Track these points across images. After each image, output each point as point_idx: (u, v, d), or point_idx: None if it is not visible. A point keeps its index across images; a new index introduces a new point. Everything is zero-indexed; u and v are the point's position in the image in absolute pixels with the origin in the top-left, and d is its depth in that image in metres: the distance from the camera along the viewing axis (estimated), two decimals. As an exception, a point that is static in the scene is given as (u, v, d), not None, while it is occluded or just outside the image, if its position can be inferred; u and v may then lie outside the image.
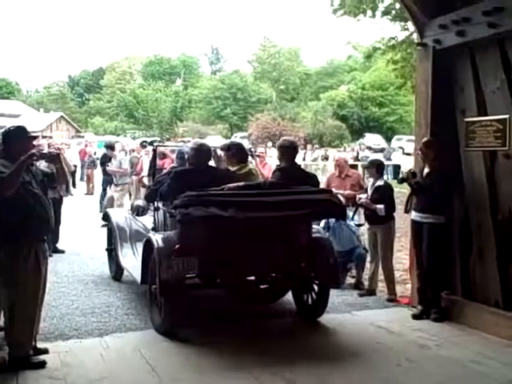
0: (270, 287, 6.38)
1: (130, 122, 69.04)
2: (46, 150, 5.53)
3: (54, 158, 5.31)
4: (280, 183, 6.18)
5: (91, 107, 77.21)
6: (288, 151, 6.57)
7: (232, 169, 6.64)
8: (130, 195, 13.82)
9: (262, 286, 6.33)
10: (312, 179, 6.58)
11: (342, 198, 7.73)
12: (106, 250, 8.53)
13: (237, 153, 6.76)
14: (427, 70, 7.01)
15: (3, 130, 5.20)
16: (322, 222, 7.97)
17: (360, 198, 7.63)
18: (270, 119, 54.38)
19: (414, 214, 6.70)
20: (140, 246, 6.63)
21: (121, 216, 8.28)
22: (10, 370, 4.83)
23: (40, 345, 5.26)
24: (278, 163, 6.81)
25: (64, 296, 7.18)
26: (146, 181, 10.60)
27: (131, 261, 7.37)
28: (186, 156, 6.70)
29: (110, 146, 14.43)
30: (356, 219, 8.18)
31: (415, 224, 6.72)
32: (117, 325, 6.16)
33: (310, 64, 78.07)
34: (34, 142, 5.67)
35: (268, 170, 11.19)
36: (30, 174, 5.01)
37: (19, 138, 5.08)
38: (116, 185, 12.95)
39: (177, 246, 5.72)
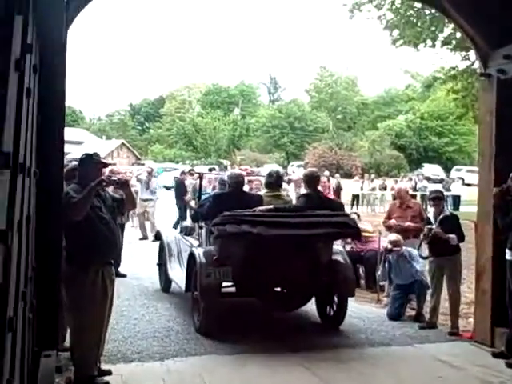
0: (292, 295, 7.33)
1: (189, 149, 70.14)
2: (115, 177, 5.66)
3: (123, 184, 5.47)
4: (303, 207, 7.08)
5: (151, 135, 78.81)
6: (311, 180, 7.52)
7: (264, 191, 7.78)
8: None
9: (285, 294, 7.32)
10: (332, 204, 7.56)
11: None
12: (157, 264, 9.50)
13: (272, 180, 7.65)
14: (491, 100, 6.94)
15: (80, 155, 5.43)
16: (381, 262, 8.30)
17: (431, 229, 7.48)
18: (327, 148, 54.42)
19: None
20: (186, 260, 7.58)
21: (171, 235, 9.33)
22: (76, 390, 4.95)
23: (103, 366, 5.38)
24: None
25: (126, 319, 7.32)
26: (192, 204, 11.22)
27: (178, 273, 8.25)
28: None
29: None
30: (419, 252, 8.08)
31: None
32: (177, 349, 6.24)
33: (367, 93, 77.77)
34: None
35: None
36: (100, 200, 5.19)
37: (90, 164, 5.28)
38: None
39: (214, 258, 6.75)
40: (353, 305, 8.62)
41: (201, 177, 10.05)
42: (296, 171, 39.41)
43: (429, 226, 7.58)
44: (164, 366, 5.77)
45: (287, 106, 71.94)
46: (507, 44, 6.64)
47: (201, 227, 7.80)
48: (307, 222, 6.73)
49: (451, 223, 7.46)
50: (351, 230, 7.14)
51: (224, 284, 6.96)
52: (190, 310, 7.30)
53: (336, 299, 7.27)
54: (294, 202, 8.06)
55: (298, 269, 6.80)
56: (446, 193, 28.01)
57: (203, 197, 8.94)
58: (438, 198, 7.86)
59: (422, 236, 7.75)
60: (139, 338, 6.59)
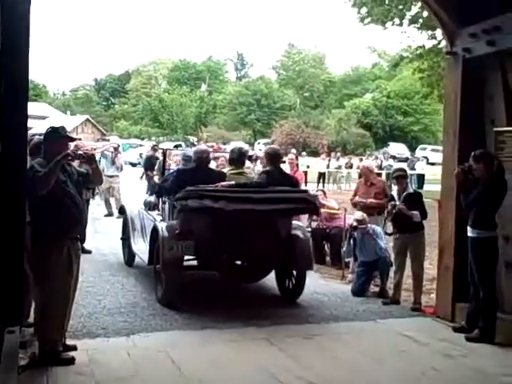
0: (253, 268, 7.51)
1: (155, 126, 69.49)
2: (81, 151, 5.57)
3: (89, 158, 5.39)
4: (264, 183, 7.23)
5: (116, 111, 77.79)
6: (273, 157, 7.67)
7: (227, 169, 7.92)
8: None
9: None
10: (292, 181, 7.77)
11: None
12: (121, 238, 9.66)
13: (234, 156, 7.85)
14: (456, 78, 7.00)
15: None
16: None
17: (395, 205, 7.59)
18: (294, 126, 54.45)
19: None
20: (149, 234, 7.79)
21: (135, 210, 9.37)
22: (40, 365, 4.92)
23: (69, 342, 5.35)
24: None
25: (91, 295, 7.27)
26: (156, 179, 11.27)
27: (141, 247, 8.44)
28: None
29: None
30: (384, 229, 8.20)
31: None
32: (143, 325, 6.24)
33: (334, 70, 78.05)
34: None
35: (300, 179, 11.25)
36: (66, 174, 5.12)
37: (56, 138, 5.19)
38: None
39: (177, 231, 6.95)
40: (318, 281, 8.80)
41: (164, 153, 10.22)
42: (263, 149, 39.41)
43: (392, 203, 7.68)
44: (130, 341, 5.76)
45: (254, 83, 71.68)
46: (473, 23, 6.68)
47: (164, 202, 8.01)
48: (268, 197, 6.92)
49: (414, 200, 7.57)
50: (310, 206, 7.37)
51: (187, 257, 7.19)
52: (153, 282, 7.48)
53: (295, 273, 7.50)
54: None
55: (259, 243, 6.99)
56: (410, 171, 28.45)
57: (167, 173, 8.98)
58: (401, 177, 7.95)
59: (385, 213, 7.85)
60: (105, 314, 6.56)
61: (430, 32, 19.76)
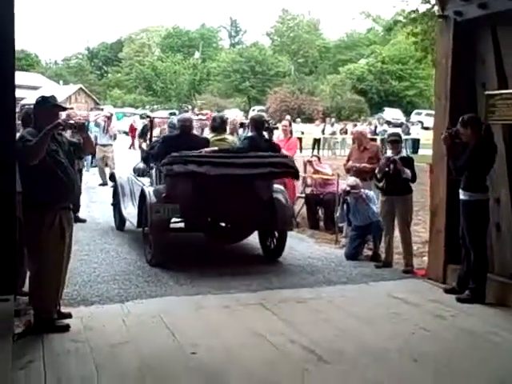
0: (236, 229, 7.96)
1: (149, 94, 69.03)
2: (72, 121, 5.55)
3: (81, 127, 5.37)
4: (246, 148, 7.60)
5: (110, 80, 77.17)
6: (256, 124, 8.06)
7: (211, 135, 8.23)
8: None
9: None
10: (274, 146, 8.12)
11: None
12: (112, 204, 9.97)
13: (216, 124, 8.25)
14: (448, 42, 6.96)
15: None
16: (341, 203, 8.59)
17: (389, 157, 7.65)
18: (289, 92, 54.20)
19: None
20: (138, 199, 8.17)
21: (124, 176, 9.75)
22: (36, 333, 4.98)
23: (63, 309, 5.41)
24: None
25: (86, 263, 7.33)
26: (144, 146, 11.34)
27: (131, 211, 8.80)
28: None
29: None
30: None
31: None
32: (137, 292, 6.30)
33: (329, 36, 77.43)
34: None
35: (293, 146, 11.26)
36: (57, 144, 5.11)
37: (46, 107, 5.17)
38: None
39: (163, 195, 7.29)
40: (312, 246, 8.90)
41: (151, 120, 10.55)
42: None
43: (386, 155, 7.72)
44: (124, 307, 5.82)
45: (248, 50, 71.09)
46: (466, -15, 6.62)
47: (151, 168, 8.36)
48: (249, 162, 7.30)
49: (407, 164, 7.60)
50: (290, 170, 7.67)
51: (175, 220, 7.61)
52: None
53: (276, 233, 7.89)
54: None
55: (241, 205, 7.31)
56: (405, 136, 28.45)
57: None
58: (395, 141, 7.98)
59: (378, 168, 7.84)
60: (99, 282, 6.62)
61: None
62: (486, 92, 6.63)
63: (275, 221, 7.64)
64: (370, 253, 8.19)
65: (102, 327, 5.29)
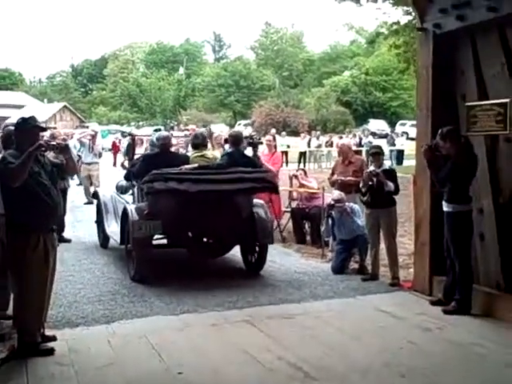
0: (217, 244, 8.05)
1: (134, 111, 68.98)
2: (54, 142, 5.53)
3: (63, 148, 5.35)
4: (225, 164, 7.73)
5: (94, 97, 77.08)
6: (235, 140, 8.23)
7: (191, 152, 8.39)
8: None
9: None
10: (252, 162, 8.24)
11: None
12: (95, 222, 10.10)
13: (198, 141, 8.35)
14: (428, 54, 7.02)
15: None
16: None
17: (372, 171, 7.67)
18: (274, 106, 54.34)
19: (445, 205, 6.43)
20: (120, 216, 8.26)
21: (108, 194, 9.83)
22: (20, 357, 4.92)
23: (48, 332, 5.34)
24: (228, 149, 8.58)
25: (71, 284, 7.28)
26: (126, 163, 11.25)
27: (114, 228, 8.89)
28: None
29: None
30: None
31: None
32: (123, 312, 6.25)
33: (313, 49, 77.91)
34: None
35: (278, 160, 11.29)
36: (39, 165, 5.09)
37: (26, 128, 5.15)
38: None
39: (145, 212, 7.42)
40: (299, 260, 8.89)
41: (133, 138, 10.65)
42: (243, 130, 39.34)
43: (369, 169, 7.79)
44: (110, 328, 5.78)
45: (232, 64, 71.39)
46: (443, -2, 6.69)
47: (133, 185, 8.53)
48: (229, 178, 7.45)
49: (389, 176, 7.62)
50: (269, 185, 7.89)
51: (158, 237, 7.82)
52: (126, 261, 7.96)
53: (257, 247, 8.03)
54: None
55: (222, 220, 7.49)
56: (390, 147, 28.63)
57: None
58: (376, 154, 8.02)
59: (361, 181, 7.85)
60: (84, 303, 6.56)
61: (404, 8, 19.74)
62: (467, 103, 6.69)
63: (256, 235, 7.79)
64: (356, 266, 8.20)
65: (88, 349, 5.24)
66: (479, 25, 6.38)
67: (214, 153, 8.74)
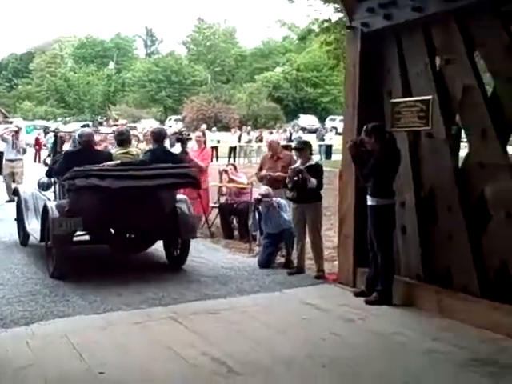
0: (140, 239, 8.04)
1: (61, 106, 67.17)
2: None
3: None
4: (147, 161, 7.82)
5: (20, 92, 74.58)
6: (158, 137, 8.39)
7: (114, 150, 8.38)
8: None
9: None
10: (176, 158, 8.34)
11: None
12: (15, 220, 9.83)
13: (122, 137, 8.36)
14: (356, 52, 7.12)
15: None
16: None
17: (295, 168, 7.69)
18: (205, 101, 54.17)
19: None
20: (41, 213, 8.14)
21: (28, 191, 9.71)
22: None
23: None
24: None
25: (-11, 285, 7.01)
26: (48, 160, 11.09)
27: (34, 226, 8.73)
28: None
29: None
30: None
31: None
32: (43, 312, 6.06)
33: (245, 44, 77.99)
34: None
35: (207, 156, 11.24)
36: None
37: None
38: None
39: (66, 209, 7.35)
40: (226, 256, 8.88)
41: (56, 135, 10.41)
42: (174, 125, 39.09)
43: (293, 166, 7.82)
44: (29, 330, 5.57)
45: (164, 60, 70.66)
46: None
47: (55, 182, 8.51)
48: (151, 174, 7.47)
49: (314, 172, 7.68)
50: (191, 180, 7.90)
51: (80, 233, 7.72)
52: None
53: (180, 242, 8.10)
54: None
55: (145, 216, 7.49)
56: (319, 142, 29.06)
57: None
58: (300, 149, 8.09)
59: (287, 178, 7.92)
60: (4, 304, 6.31)
61: (336, 5, 20.01)
62: (392, 100, 6.84)
63: (178, 230, 7.82)
64: (282, 260, 8.26)
65: (5, 352, 5.03)
66: (405, 24, 6.52)
67: (139, 149, 8.74)
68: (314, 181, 7.54)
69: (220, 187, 11.05)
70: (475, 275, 5.86)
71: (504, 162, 5.66)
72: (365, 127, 6.44)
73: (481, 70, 6.12)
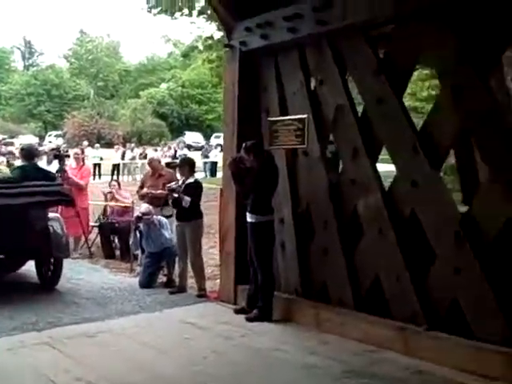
0: (10, 260, 7.89)
1: None
2: None
3: None
4: (17, 178, 7.57)
5: None
6: (28, 153, 8.13)
7: None
8: None
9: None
10: (48, 175, 8.14)
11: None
12: None
13: None
14: (234, 70, 7.23)
15: None
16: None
17: (169, 187, 7.70)
18: (87, 117, 52.82)
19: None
20: None
21: None
22: None
23: None
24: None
25: None
26: None
27: None
28: None
29: None
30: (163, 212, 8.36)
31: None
32: None
33: (130, 59, 76.95)
34: None
35: (87, 174, 10.96)
36: None
37: None
38: None
39: None
40: (107, 276, 8.67)
41: None
42: (54, 141, 37.81)
43: (168, 185, 7.83)
44: None
45: (44, 73, 68.06)
46: (249, 17, 6.94)
47: None
48: (22, 191, 7.30)
49: (193, 189, 7.69)
50: (64, 198, 7.84)
51: None
52: None
53: (52, 262, 7.93)
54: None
55: (14, 235, 7.23)
56: (204, 160, 29.11)
57: None
58: (178, 166, 8.16)
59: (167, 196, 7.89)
60: None
61: (218, 23, 20.23)
62: (269, 118, 6.98)
63: (50, 249, 7.65)
64: (164, 279, 8.16)
65: None
66: (281, 44, 6.72)
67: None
68: (187, 199, 7.51)
69: (105, 206, 10.79)
70: (349, 289, 6.07)
71: (374, 180, 5.92)
72: (244, 145, 6.54)
73: (352, 91, 6.40)
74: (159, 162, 10.00)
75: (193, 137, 48.97)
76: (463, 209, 5.63)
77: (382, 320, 5.64)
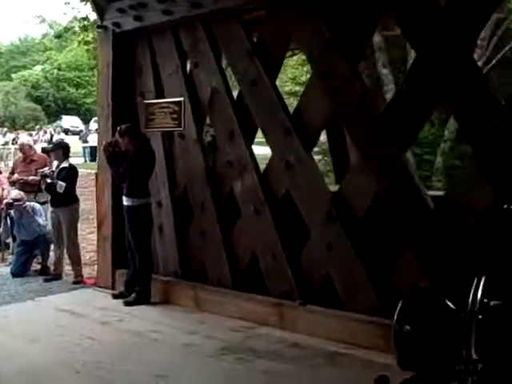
0: None
1: None
2: None
3: None
4: None
5: None
6: None
7: None
8: None
9: None
10: None
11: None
12: None
13: None
14: (108, 52, 7.09)
15: None
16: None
17: (44, 171, 7.46)
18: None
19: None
20: None
21: None
22: None
23: None
24: None
25: None
26: None
27: None
28: None
29: None
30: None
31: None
32: None
33: (1, 41, 72.70)
34: None
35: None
36: None
37: None
38: None
39: None
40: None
41: None
42: None
43: (41, 171, 7.58)
44: None
45: None
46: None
47: None
48: None
49: (66, 174, 7.50)
50: None
51: None
52: None
53: None
54: None
55: None
56: (83, 144, 28.25)
57: None
58: (51, 150, 7.88)
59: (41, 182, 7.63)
60: None
61: (91, 4, 19.63)
62: (145, 101, 6.90)
63: None
64: (39, 267, 7.90)
65: None
66: (155, 26, 6.65)
67: None
68: (62, 184, 7.31)
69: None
70: (228, 269, 6.17)
71: (249, 161, 6.03)
72: (118, 128, 6.43)
73: (227, 74, 6.47)
74: (30, 146, 9.55)
75: (71, 121, 47.30)
76: (335, 188, 5.85)
77: (259, 297, 5.79)
